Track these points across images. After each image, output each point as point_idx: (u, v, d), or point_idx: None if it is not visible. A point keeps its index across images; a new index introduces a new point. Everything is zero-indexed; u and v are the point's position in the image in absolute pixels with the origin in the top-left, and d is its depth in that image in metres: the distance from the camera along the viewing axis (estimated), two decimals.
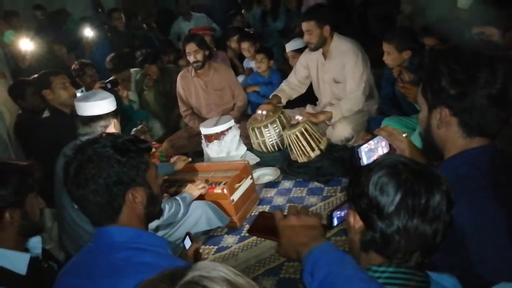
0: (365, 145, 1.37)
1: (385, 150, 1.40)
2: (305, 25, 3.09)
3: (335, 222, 1.10)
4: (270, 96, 3.43)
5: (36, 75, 3.48)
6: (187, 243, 1.54)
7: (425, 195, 0.84)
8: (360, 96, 3.11)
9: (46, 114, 2.99)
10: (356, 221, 0.93)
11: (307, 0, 5.35)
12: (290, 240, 0.96)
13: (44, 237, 1.62)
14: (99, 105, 2.11)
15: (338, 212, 1.09)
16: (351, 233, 0.96)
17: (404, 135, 1.38)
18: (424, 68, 1.18)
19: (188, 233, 1.58)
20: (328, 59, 3.19)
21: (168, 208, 2.17)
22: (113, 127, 2.15)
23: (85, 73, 3.89)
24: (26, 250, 1.47)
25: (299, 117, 3.00)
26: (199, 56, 3.48)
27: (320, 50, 3.21)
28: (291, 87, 3.46)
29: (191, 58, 3.51)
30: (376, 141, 1.40)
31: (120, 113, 2.26)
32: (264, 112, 3.18)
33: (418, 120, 1.23)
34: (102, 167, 1.10)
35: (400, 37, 2.84)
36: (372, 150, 1.39)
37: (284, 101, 3.40)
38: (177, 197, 2.29)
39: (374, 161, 0.95)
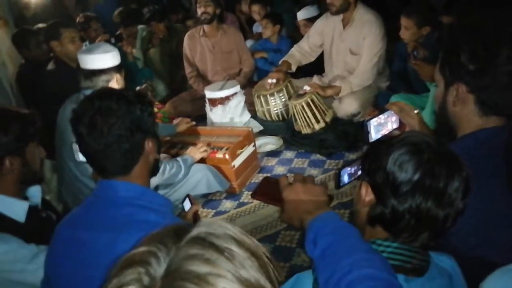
0: (375, 119, 1.34)
1: (395, 126, 1.37)
2: None
3: (346, 179, 1.08)
4: (280, 62, 3.34)
5: (41, 25, 3.40)
6: (187, 204, 1.53)
7: (444, 179, 0.82)
8: (371, 72, 3.03)
9: (50, 66, 2.93)
10: (367, 194, 0.90)
11: None
12: (294, 207, 0.94)
13: (43, 188, 1.62)
14: (102, 58, 2.06)
15: (349, 169, 1.07)
16: (359, 205, 0.93)
17: (415, 111, 1.35)
18: (444, 43, 1.13)
19: (188, 195, 1.57)
20: (348, 27, 3.05)
21: (169, 168, 2.16)
22: (115, 82, 2.11)
23: (90, 26, 3.81)
24: (25, 198, 1.47)
25: (307, 88, 2.94)
26: (210, 9, 3.39)
27: (340, 17, 3.07)
28: (301, 53, 3.36)
29: (200, 10, 3.40)
30: (386, 116, 1.36)
31: (124, 69, 2.22)
32: (274, 80, 3.11)
33: (432, 98, 1.19)
34: (125, 113, 1.10)
35: (421, 13, 2.77)
36: (382, 125, 1.36)
37: (294, 68, 3.31)
38: (179, 158, 2.28)
39: (397, 136, 0.91)
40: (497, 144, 1.03)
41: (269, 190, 1.03)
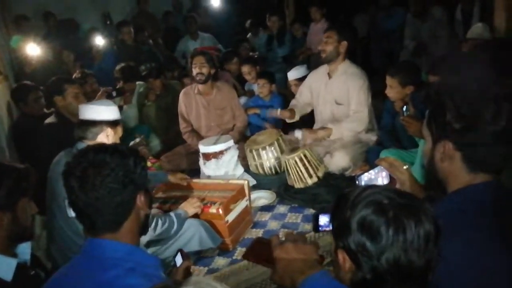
0: (366, 174, 1.37)
1: (385, 181, 1.39)
2: (326, 33, 3.21)
3: (323, 224, 1.10)
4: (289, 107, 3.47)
5: (41, 81, 3.49)
6: (178, 260, 1.51)
7: (415, 227, 0.83)
8: (364, 118, 3.15)
9: (50, 119, 2.97)
10: (345, 261, 0.89)
11: (311, 29, 5.46)
12: (285, 267, 0.94)
13: (32, 244, 1.58)
14: (97, 110, 2.10)
15: (326, 216, 1.08)
16: (341, 273, 0.91)
17: (405, 167, 1.38)
18: (430, 100, 1.18)
19: (180, 250, 1.55)
20: (333, 79, 3.24)
21: (161, 223, 2.13)
22: (105, 136, 2.13)
23: (86, 82, 3.94)
24: (14, 255, 1.44)
25: (298, 134, 3.02)
26: (204, 70, 3.50)
27: (326, 69, 3.27)
28: (300, 105, 3.50)
29: (195, 70, 3.52)
30: (376, 171, 1.39)
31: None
32: (280, 114, 3.26)
33: (421, 153, 1.23)
34: (118, 166, 1.10)
35: (404, 72, 2.88)
36: (372, 180, 1.38)
37: (297, 117, 3.42)
38: (171, 213, 2.26)
39: (356, 194, 0.91)
40: (486, 200, 1.04)
41: (261, 251, 1.03)
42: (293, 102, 3.53)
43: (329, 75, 3.28)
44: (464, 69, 2.24)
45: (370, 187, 0.92)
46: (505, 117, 0.99)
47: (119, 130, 2.20)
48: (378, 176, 1.39)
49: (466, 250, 0.96)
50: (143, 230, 1.23)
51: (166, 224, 2.15)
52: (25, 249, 1.48)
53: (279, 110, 3.42)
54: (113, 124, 2.17)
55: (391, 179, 1.39)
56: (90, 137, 2.11)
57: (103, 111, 2.11)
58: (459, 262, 0.96)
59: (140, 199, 1.16)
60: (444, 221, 1.02)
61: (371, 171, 1.39)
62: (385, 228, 0.83)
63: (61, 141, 2.31)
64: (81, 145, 2.09)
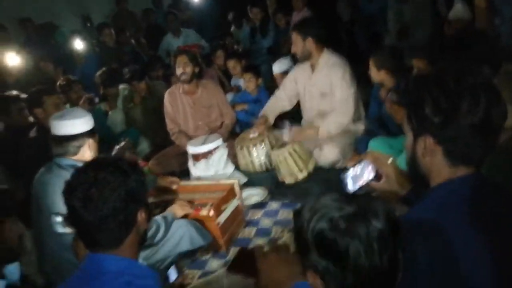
0: (351, 170, 1.36)
1: (371, 175, 1.39)
2: (291, 36, 3.21)
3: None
4: (259, 115, 3.42)
5: (19, 92, 3.43)
6: (172, 274, 1.50)
7: (367, 232, 0.83)
8: (349, 108, 3.13)
9: (32, 134, 2.92)
10: (315, 279, 0.89)
11: (294, 18, 5.42)
12: (269, 279, 0.94)
13: (23, 261, 1.57)
14: (72, 124, 2.05)
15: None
16: None
17: (390, 160, 1.38)
18: (409, 95, 1.17)
19: (173, 264, 1.55)
20: (315, 72, 3.23)
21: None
22: (87, 148, 2.09)
23: (71, 89, 3.87)
24: (2, 276, 1.42)
25: (285, 132, 3.02)
26: (188, 69, 3.46)
27: (308, 64, 3.26)
28: (278, 103, 3.47)
29: (179, 70, 3.47)
30: (362, 166, 1.39)
31: (104, 130, 2.22)
32: (256, 134, 3.18)
33: (404, 147, 1.21)
34: (120, 185, 1.11)
35: (379, 55, 2.93)
36: (358, 176, 1.37)
37: (272, 120, 3.40)
38: (157, 217, 2.21)
39: (309, 211, 0.91)
40: (467, 193, 1.04)
41: (244, 263, 1.03)
42: (269, 102, 3.49)
43: (312, 69, 3.27)
44: (441, 60, 2.24)
45: (319, 200, 0.91)
46: (482, 108, 0.97)
47: (96, 137, 2.17)
48: (363, 171, 1.39)
49: (449, 244, 0.95)
50: (142, 243, 1.25)
51: (153, 229, 2.11)
52: (13, 270, 1.47)
53: (253, 129, 3.31)
54: (92, 133, 2.14)
55: (378, 173, 1.39)
56: (72, 152, 2.07)
57: (79, 123, 2.06)
58: (442, 255, 0.96)
59: (141, 215, 1.17)
60: (427, 217, 1.02)
61: (357, 167, 1.38)
62: (344, 245, 0.83)
63: (43, 155, 2.27)
64: (65, 161, 2.05)
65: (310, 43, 3.13)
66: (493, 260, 0.98)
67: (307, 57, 3.20)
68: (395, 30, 5.00)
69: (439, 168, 1.07)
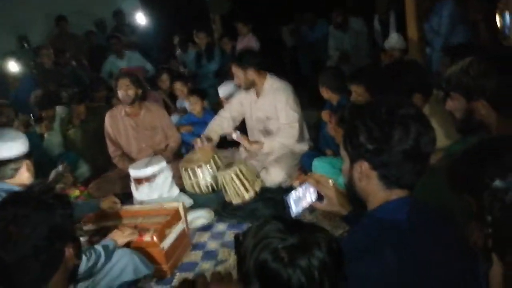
0: (293, 193, 1.36)
1: (313, 197, 1.40)
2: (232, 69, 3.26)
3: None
4: (201, 136, 3.39)
5: None
6: None
7: (309, 264, 0.84)
8: (294, 131, 3.20)
9: None
10: None
11: (239, 43, 5.52)
12: None
13: None
14: (8, 147, 1.95)
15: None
16: None
17: (331, 182, 1.41)
18: (344, 122, 1.22)
19: None
20: (261, 97, 3.29)
21: (85, 260, 1.96)
22: (25, 170, 2.00)
23: (1, 113, 3.63)
24: None
25: (235, 135, 3.16)
26: (130, 92, 3.40)
27: (254, 90, 3.31)
28: (221, 122, 3.47)
29: (121, 93, 3.40)
30: (304, 188, 1.40)
31: (40, 152, 2.11)
32: (204, 144, 3.21)
33: (342, 171, 1.25)
34: (43, 221, 1.01)
35: (322, 74, 3.29)
36: (300, 198, 1.38)
37: (216, 138, 3.41)
38: (97, 246, 2.09)
39: (252, 238, 0.91)
40: (401, 215, 1.09)
41: None
42: (212, 122, 3.50)
43: (257, 95, 3.33)
44: (375, 90, 2.38)
45: (262, 226, 0.91)
46: (412, 137, 1.05)
47: (32, 158, 2.07)
48: (305, 193, 1.39)
49: (383, 267, 0.98)
50: (73, 279, 1.16)
51: (92, 259, 1.99)
52: None
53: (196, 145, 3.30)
54: (28, 155, 2.05)
55: (319, 195, 1.40)
56: (9, 175, 1.98)
57: (15, 146, 1.97)
58: (377, 280, 0.98)
59: (69, 251, 1.09)
60: (362, 240, 1.06)
61: (299, 189, 1.38)
62: (284, 274, 0.83)
63: None
64: (2, 185, 1.93)
65: (251, 73, 3.19)
66: (429, 273, 1.01)
67: (249, 87, 3.27)
68: (336, 57, 5.24)
69: (375, 191, 1.13)
